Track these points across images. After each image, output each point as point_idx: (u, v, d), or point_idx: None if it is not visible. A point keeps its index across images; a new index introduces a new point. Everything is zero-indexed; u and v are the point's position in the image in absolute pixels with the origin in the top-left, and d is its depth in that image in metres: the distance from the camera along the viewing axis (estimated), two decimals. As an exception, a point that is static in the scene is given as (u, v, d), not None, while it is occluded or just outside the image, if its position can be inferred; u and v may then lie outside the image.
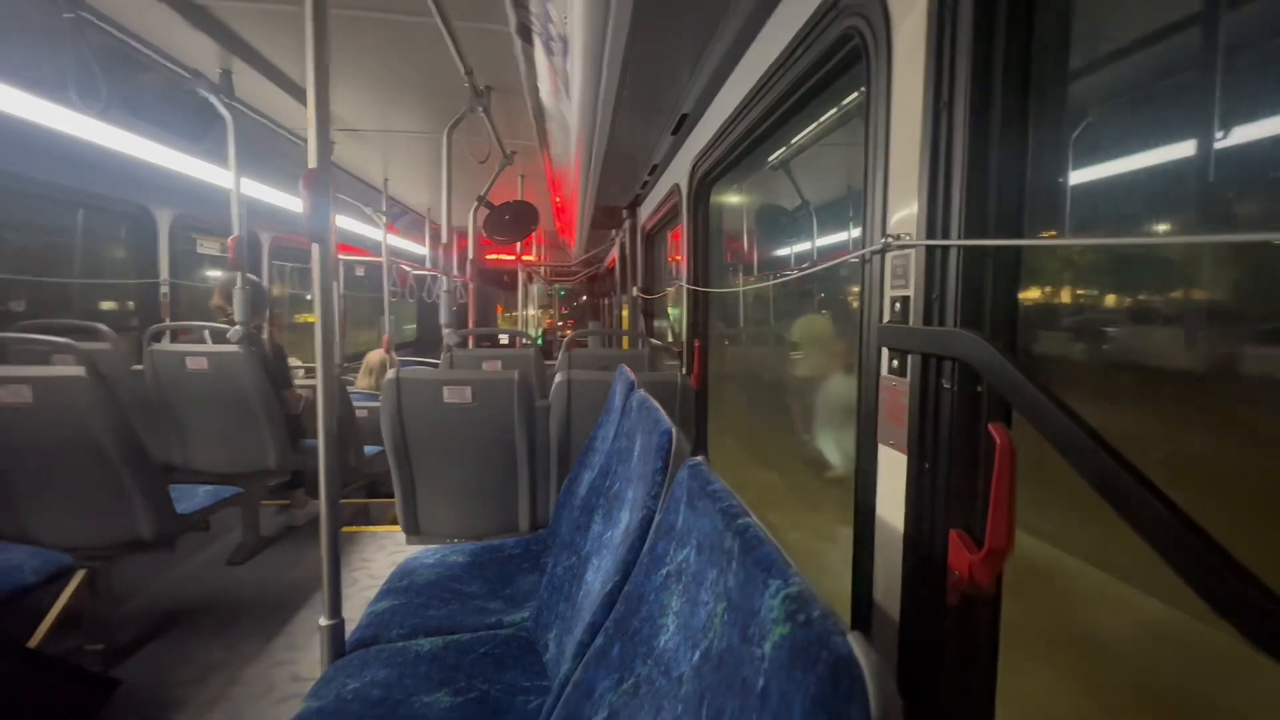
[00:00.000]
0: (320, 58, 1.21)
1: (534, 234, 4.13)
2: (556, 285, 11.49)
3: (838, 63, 1.14)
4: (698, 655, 0.62)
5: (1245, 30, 0.77)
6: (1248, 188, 0.78)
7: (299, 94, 2.79)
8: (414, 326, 8.09)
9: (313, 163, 1.22)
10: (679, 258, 2.77)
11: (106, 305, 3.51)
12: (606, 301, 9.08)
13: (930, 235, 0.79)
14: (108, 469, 1.83)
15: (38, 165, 2.62)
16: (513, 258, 6.07)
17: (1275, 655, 0.42)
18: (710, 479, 0.74)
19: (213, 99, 2.60)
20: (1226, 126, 0.76)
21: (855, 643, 0.39)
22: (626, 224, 4.45)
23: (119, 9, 2.08)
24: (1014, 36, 0.74)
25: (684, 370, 2.35)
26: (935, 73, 0.79)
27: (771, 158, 2.27)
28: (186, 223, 3.61)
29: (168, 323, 2.94)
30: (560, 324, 12.00)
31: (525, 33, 2.16)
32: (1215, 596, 0.45)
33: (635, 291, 4.03)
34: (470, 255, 3.99)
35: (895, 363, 0.87)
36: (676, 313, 3.70)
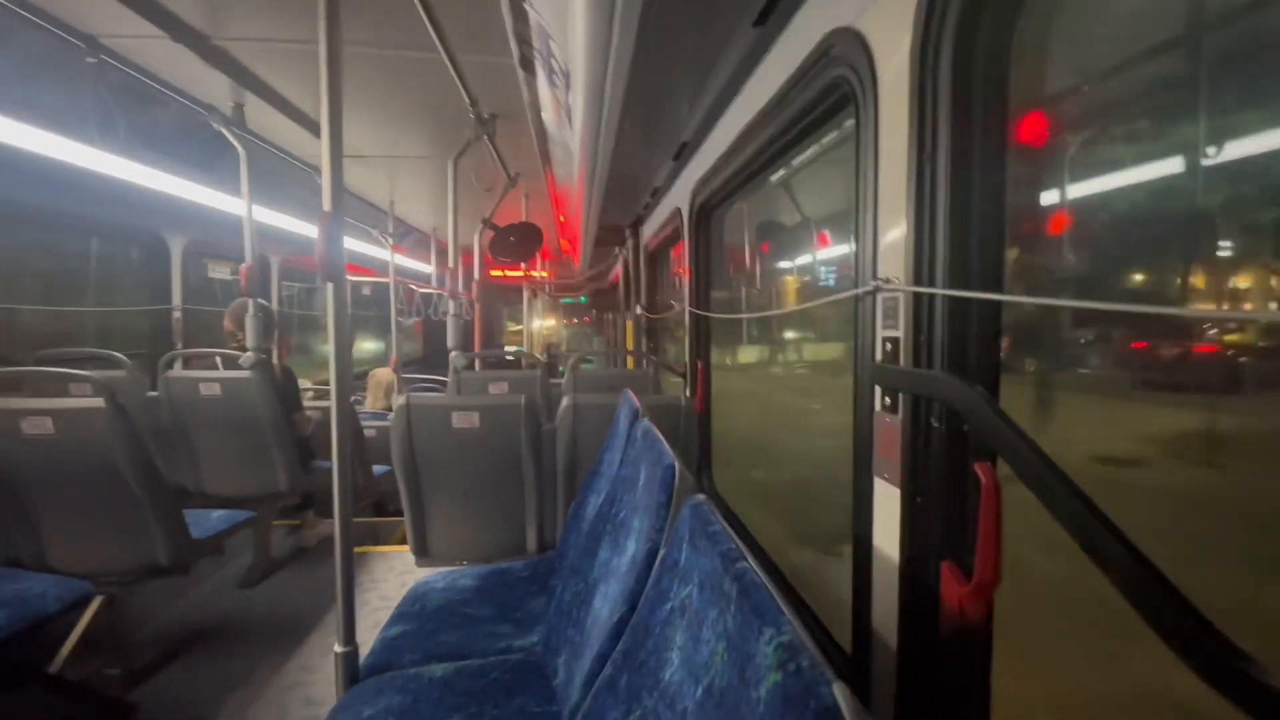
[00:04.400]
0: (334, 105, 1.26)
1: (538, 254, 4.19)
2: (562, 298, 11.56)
3: (829, 106, 1.19)
4: (701, 691, 0.65)
5: (1237, 56, 0.82)
6: (1234, 224, 0.82)
7: (309, 124, 2.87)
8: (413, 345, 8.17)
9: (327, 205, 1.27)
10: (681, 271, 2.82)
11: (121, 330, 3.58)
12: (611, 316, 9.13)
13: (917, 281, 0.82)
14: (126, 497, 1.87)
15: (57, 197, 2.70)
16: (519, 274, 6.12)
17: (1244, 709, 0.45)
18: (710, 520, 0.78)
19: (225, 131, 2.67)
20: (1211, 159, 0.80)
21: (839, 693, 0.43)
22: (629, 243, 4.50)
23: (137, 50, 2.15)
24: (992, 87, 0.78)
25: (688, 392, 2.38)
26: (919, 123, 0.83)
27: (774, 178, 2.31)
28: (198, 248, 3.69)
29: (181, 350, 3.00)
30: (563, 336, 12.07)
31: (528, 65, 2.22)
32: (1177, 642, 0.48)
33: (639, 311, 4.07)
34: (476, 275, 4.05)
35: (888, 400, 0.91)
36: (681, 333, 3.78)
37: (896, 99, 0.88)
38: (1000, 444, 0.66)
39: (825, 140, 1.83)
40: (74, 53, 2.01)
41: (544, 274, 8.45)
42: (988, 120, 0.78)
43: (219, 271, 4.18)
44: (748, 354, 3.51)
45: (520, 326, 9.18)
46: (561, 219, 5.24)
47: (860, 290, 0.96)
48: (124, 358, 2.73)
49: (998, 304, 0.78)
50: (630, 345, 4.91)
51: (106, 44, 2.06)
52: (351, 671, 1.37)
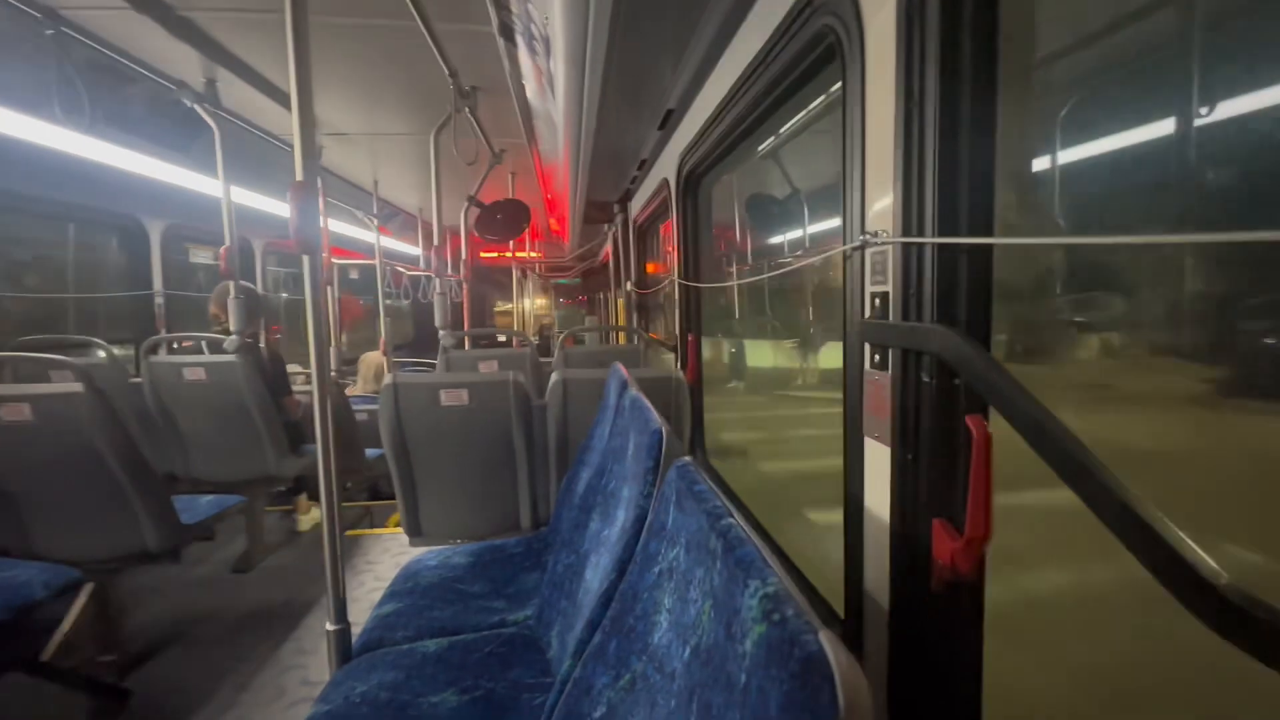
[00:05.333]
0: (302, 70, 1.21)
1: (527, 230, 4.13)
2: (552, 280, 11.48)
3: (815, 59, 1.15)
4: (689, 651, 0.64)
5: (1220, 8, 0.79)
6: (1227, 174, 0.80)
7: (284, 100, 2.79)
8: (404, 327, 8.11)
9: (299, 175, 1.23)
10: (671, 249, 2.78)
11: (101, 318, 3.51)
12: (602, 295, 9.08)
13: (906, 232, 0.80)
14: (111, 483, 1.85)
15: (26, 180, 2.63)
16: (508, 255, 6.06)
17: (1219, 630, 0.45)
18: (696, 479, 0.76)
19: (198, 109, 2.59)
20: (1204, 108, 0.77)
21: (826, 640, 0.41)
22: (618, 219, 4.45)
23: (100, 23, 2.07)
24: (980, 33, 0.75)
25: (679, 365, 2.36)
26: (906, 71, 0.80)
27: (760, 147, 2.27)
28: (178, 233, 3.61)
29: (163, 334, 2.95)
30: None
31: (508, 33, 2.16)
32: (1169, 578, 0.47)
33: (629, 286, 4.04)
34: (464, 255, 3.99)
35: (877, 357, 0.89)
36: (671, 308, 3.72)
37: (883, 46, 0.85)
38: (993, 394, 0.64)
39: (814, 105, 1.79)
40: (31, 25, 1.93)
41: (534, 254, 8.37)
42: (977, 63, 0.75)
43: (201, 257, 4.11)
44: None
45: (510, 306, 9.12)
46: (549, 197, 5.17)
47: (848, 246, 0.94)
48: (105, 344, 2.69)
49: (988, 252, 0.76)
50: (621, 321, 4.89)
51: (66, 15, 1.98)
52: (344, 649, 1.37)
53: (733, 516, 0.64)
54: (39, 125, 2.33)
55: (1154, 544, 0.48)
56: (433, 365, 3.87)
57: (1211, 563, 0.46)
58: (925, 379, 0.80)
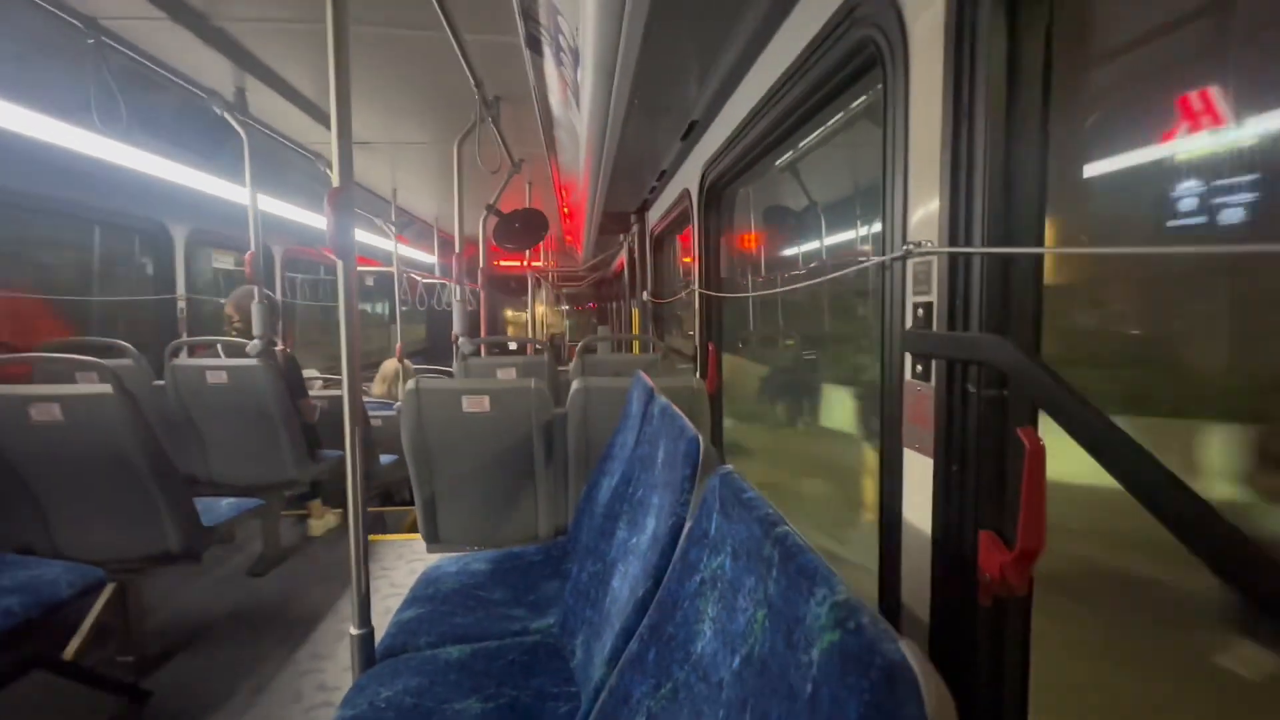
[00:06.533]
0: (341, 81, 1.24)
1: (543, 241, 4.17)
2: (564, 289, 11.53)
3: (853, 70, 1.15)
4: (738, 660, 0.63)
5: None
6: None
7: (311, 109, 2.83)
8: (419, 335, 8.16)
9: (336, 181, 1.25)
10: (688, 259, 2.78)
11: (126, 320, 3.56)
12: (614, 305, 9.10)
13: (953, 242, 0.80)
14: (136, 484, 1.86)
15: (59, 185, 2.68)
16: (522, 264, 6.11)
17: None
18: (744, 487, 0.75)
19: (228, 117, 2.64)
20: (1260, 116, 0.75)
21: (907, 648, 0.41)
22: (635, 228, 4.46)
23: (137, 32, 2.12)
24: (1033, 38, 0.75)
25: (698, 375, 2.36)
26: (955, 79, 0.80)
27: (784, 158, 2.25)
28: (201, 238, 3.67)
29: (187, 338, 2.98)
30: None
31: (535, 44, 2.18)
32: (1250, 591, 0.46)
33: (645, 296, 4.04)
34: (481, 263, 4.02)
35: (919, 368, 0.89)
36: (689, 317, 3.70)
37: (928, 55, 0.85)
38: (1050, 404, 0.63)
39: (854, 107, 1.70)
40: (74, 35, 1.98)
41: (549, 264, 8.42)
42: (1029, 68, 0.75)
43: (223, 261, 4.16)
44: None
45: (521, 314, 9.15)
46: (565, 209, 5.21)
47: (889, 256, 0.93)
48: (130, 346, 2.72)
49: (1039, 262, 0.76)
50: (636, 330, 4.89)
51: (106, 25, 2.02)
52: (367, 654, 1.36)
53: (787, 524, 0.64)
54: (77, 132, 2.37)
55: (1236, 559, 0.47)
56: (448, 371, 3.88)
57: None
58: (970, 389, 0.79)
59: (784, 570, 0.57)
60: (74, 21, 1.95)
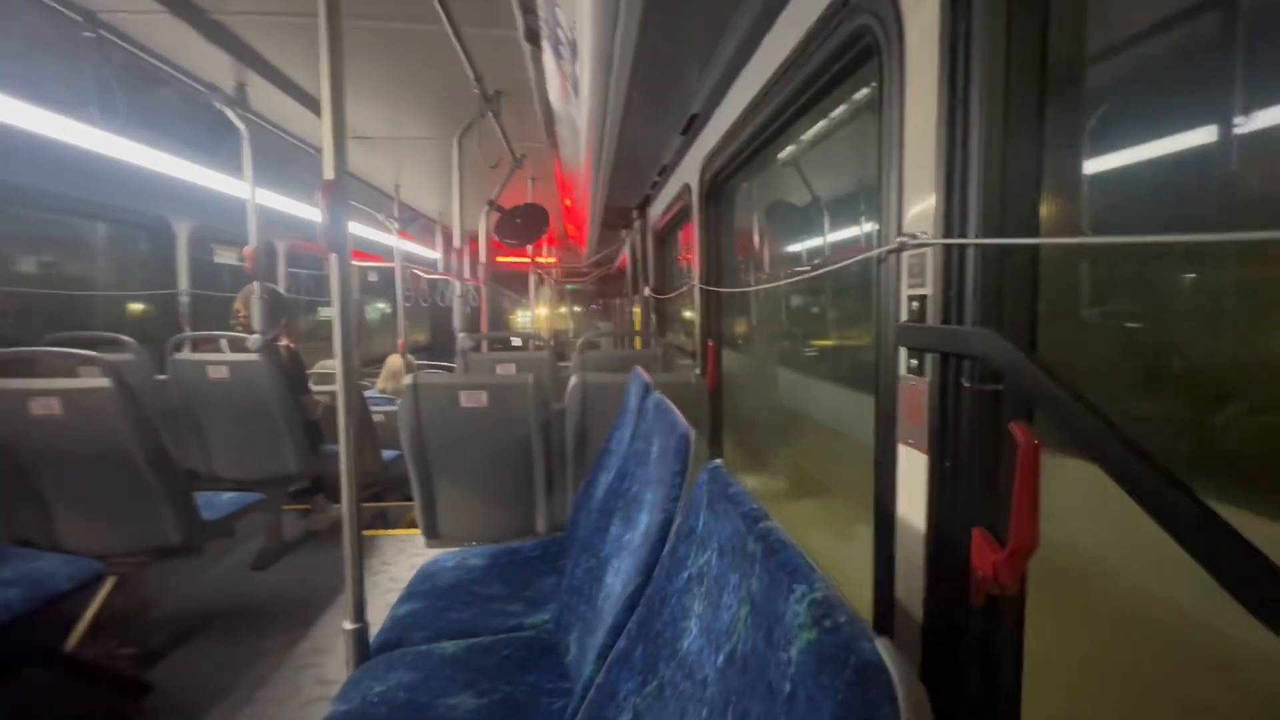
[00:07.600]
0: (335, 69, 1.23)
1: (545, 236, 4.16)
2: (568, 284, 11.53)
3: (850, 60, 1.13)
4: (722, 658, 0.62)
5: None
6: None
7: (312, 104, 2.83)
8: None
9: (329, 174, 1.24)
10: (690, 256, 2.76)
11: (128, 314, 3.58)
12: (618, 301, 9.10)
13: (948, 234, 0.78)
14: (136, 477, 1.87)
15: (60, 180, 2.69)
16: (525, 260, 6.11)
17: None
18: (730, 482, 0.74)
19: (228, 111, 2.64)
20: (1258, 109, 0.74)
21: (883, 648, 0.40)
22: (637, 224, 4.45)
23: (137, 27, 2.12)
24: (1029, 27, 0.73)
25: (698, 371, 2.34)
26: (950, 69, 0.78)
27: (785, 151, 2.23)
28: (204, 233, 3.68)
29: (188, 333, 2.99)
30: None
31: (534, 37, 2.17)
32: (1243, 592, 0.45)
33: (647, 292, 4.03)
34: (482, 259, 4.02)
35: (914, 361, 0.87)
36: (690, 314, 3.69)
37: (924, 45, 0.83)
38: (1043, 399, 0.62)
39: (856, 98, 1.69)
40: (73, 28, 1.98)
41: (550, 260, 8.41)
42: (1024, 59, 0.73)
43: (225, 257, 4.17)
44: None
45: (526, 311, 9.15)
46: (568, 203, 5.20)
47: (884, 249, 0.92)
48: (132, 341, 2.73)
49: (1033, 254, 0.74)
50: (638, 326, 4.88)
51: (105, 19, 2.02)
52: (362, 648, 1.36)
53: (771, 520, 0.63)
54: (77, 127, 2.38)
55: (1240, 564, 0.45)
56: (450, 367, 3.89)
57: None
58: (965, 384, 0.78)
59: (766, 566, 0.56)
60: (73, 16, 1.95)
